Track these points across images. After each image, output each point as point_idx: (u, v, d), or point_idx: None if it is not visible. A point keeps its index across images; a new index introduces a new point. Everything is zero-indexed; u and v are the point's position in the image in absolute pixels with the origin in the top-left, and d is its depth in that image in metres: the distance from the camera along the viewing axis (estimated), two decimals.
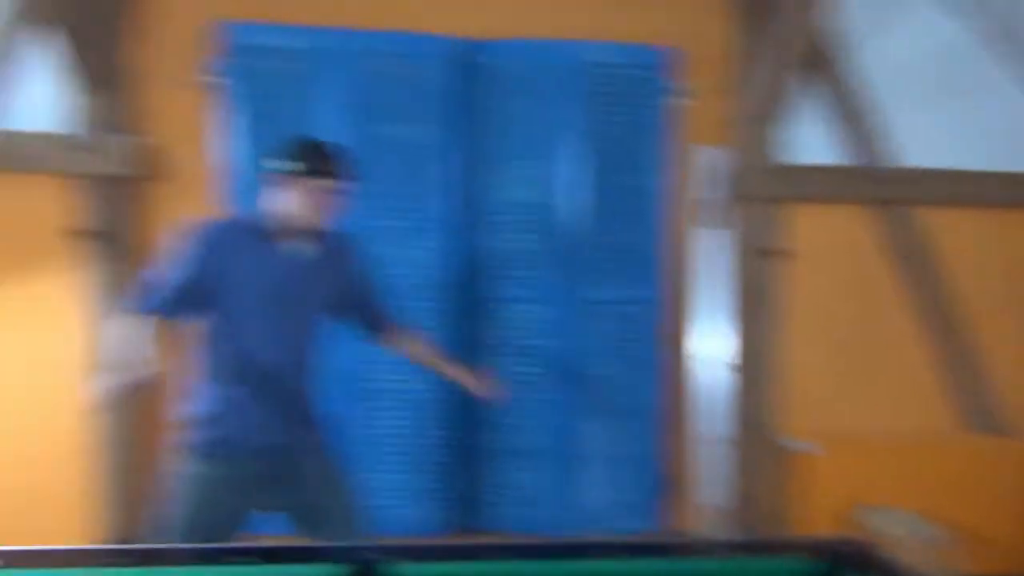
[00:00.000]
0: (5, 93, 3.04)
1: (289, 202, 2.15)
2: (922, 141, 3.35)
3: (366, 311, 2.40)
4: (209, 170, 3.16)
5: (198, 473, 2.14)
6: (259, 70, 3.11)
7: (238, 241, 2.17)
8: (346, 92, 3.13)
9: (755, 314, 3.37)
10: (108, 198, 3.10)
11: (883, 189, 3.33)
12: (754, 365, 3.38)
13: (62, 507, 3.15)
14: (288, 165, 2.15)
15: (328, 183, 2.15)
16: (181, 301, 2.14)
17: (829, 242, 3.39)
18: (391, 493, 3.25)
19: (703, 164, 3.36)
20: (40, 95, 3.06)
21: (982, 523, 3.25)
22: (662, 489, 3.40)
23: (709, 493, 3.35)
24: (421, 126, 3.17)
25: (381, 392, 3.23)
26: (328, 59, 3.12)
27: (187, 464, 2.16)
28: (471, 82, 3.21)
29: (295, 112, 3.13)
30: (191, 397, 2.21)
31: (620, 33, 3.27)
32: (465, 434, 3.30)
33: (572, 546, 1.69)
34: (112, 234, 3.10)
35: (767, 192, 3.31)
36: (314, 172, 2.14)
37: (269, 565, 1.50)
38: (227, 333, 2.15)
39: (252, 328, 2.15)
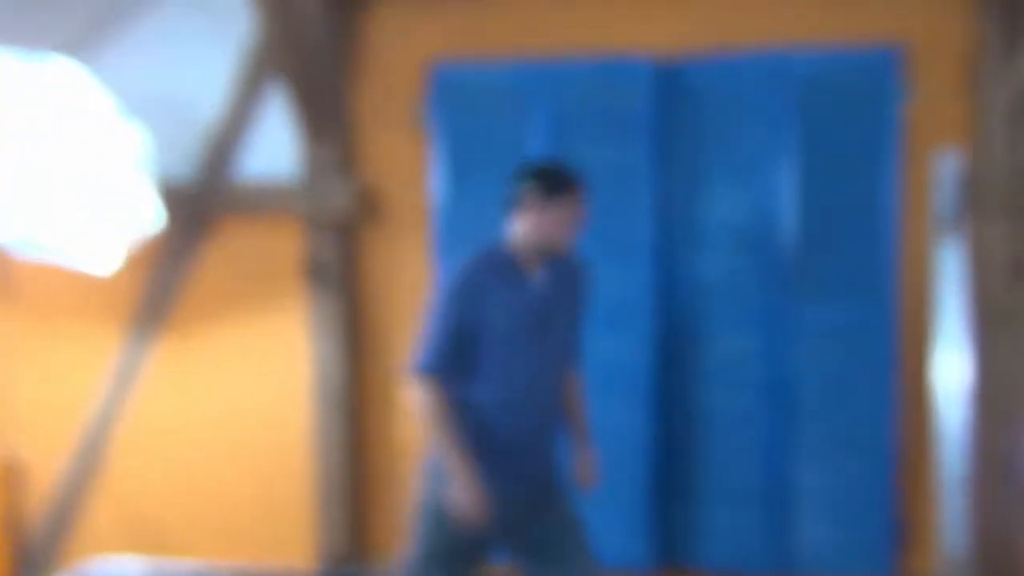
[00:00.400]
0: (242, 140, 3.35)
1: (536, 226, 2.13)
2: None
3: (572, 342, 2.33)
4: (423, 210, 3.31)
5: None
6: (467, 108, 3.22)
7: (493, 278, 2.15)
8: (552, 123, 3.16)
9: (1000, 338, 3.01)
10: (331, 239, 3.32)
11: None
12: (1001, 396, 3.02)
13: (285, 525, 3.41)
14: (534, 187, 2.14)
15: (573, 202, 2.14)
16: (457, 352, 2.12)
17: None
18: (595, 527, 3.22)
19: (941, 172, 3.06)
20: (271, 141, 3.35)
21: None
22: (896, 533, 3.11)
23: (951, 539, 3.02)
24: (627, 151, 3.13)
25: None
26: (533, 93, 3.17)
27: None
28: (677, 103, 3.13)
29: (503, 147, 3.20)
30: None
31: (839, 32, 3.05)
32: (674, 468, 3.20)
33: None
34: (335, 272, 3.31)
35: (1013, 200, 2.96)
36: (560, 192, 2.13)
37: None
38: (494, 371, 2.13)
39: (518, 363, 2.13)
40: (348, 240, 3.38)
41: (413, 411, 2.17)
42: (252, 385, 3.43)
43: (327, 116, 3.29)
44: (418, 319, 3.27)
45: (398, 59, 3.32)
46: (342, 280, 3.33)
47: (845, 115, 3.04)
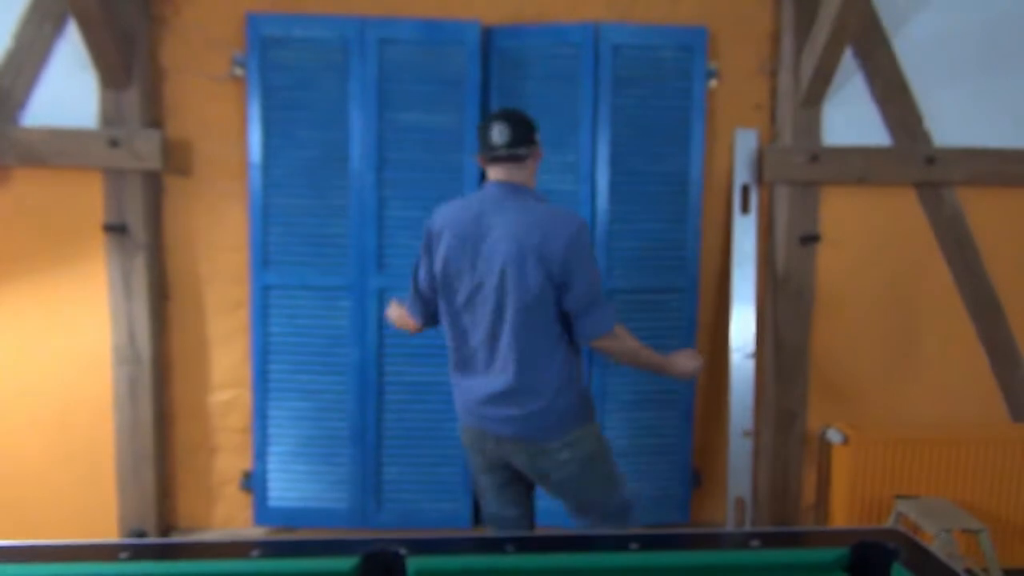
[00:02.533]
0: (32, 85, 3.07)
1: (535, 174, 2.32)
2: (964, 120, 3.24)
3: None
4: (237, 165, 3.17)
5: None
6: (285, 62, 3.10)
7: None
8: (374, 82, 3.10)
9: (790, 302, 3.30)
10: (135, 193, 3.11)
11: (924, 170, 3.23)
12: (787, 354, 3.32)
13: (80, 497, 3.22)
14: (537, 136, 2.30)
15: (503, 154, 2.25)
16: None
17: (866, 226, 3.30)
18: (415, 487, 3.26)
19: (740, 148, 3.29)
20: (69, 88, 3.08)
21: (1022, 515, 3.16)
22: (693, 481, 3.36)
23: (740, 485, 3.29)
24: (446, 114, 3.14)
25: (399, 384, 3.23)
26: (352, 48, 3.10)
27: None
28: (496, 68, 3.18)
29: (320, 102, 3.12)
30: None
31: (653, 14, 3.21)
32: None
33: (602, 539, 1.66)
34: (139, 229, 3.11)
35: (804, 176, 3.23)
36: (497, 144, 2.23)
37: (294, 559, 1.49)
38: None
39: None
40: (154, 195, 3.19)
41: (621, 360, 2.34)
42: (50, 349, 3.18)
43: (128, 63, 3.06)
44: (236, 280, 3.22)
45: (213, 6, 3.14)
46: (147, 238, 3.13)
47: (655, 89, 3.19)
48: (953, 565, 1.49)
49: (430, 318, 2.40)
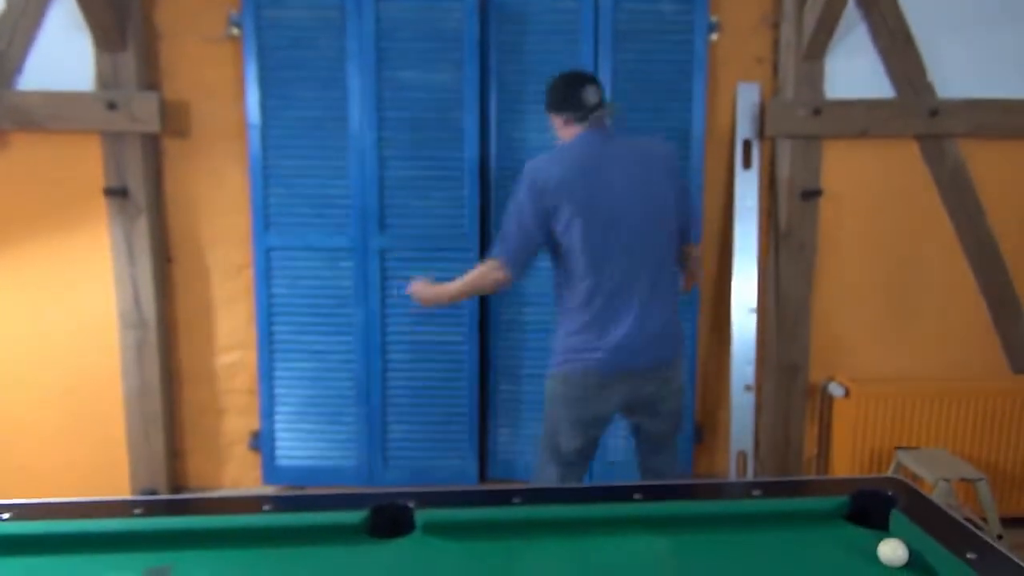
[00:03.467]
0: (29, 47, 3.04)
1: None
2: (968, 71, 3.20)
3: None
4: (236, 126, 3.15)
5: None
6: (282, 22, 3.07)
7: None
8: (372, 40, 3.07)
9: (792, 257, 3.30)
10: (134, 156, 3.10)
11: (927, 122, 3.20)
12: (789, 309, 3.33)
13: (92, 460, 3.26)
14: None
15: None
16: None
17: (869, 179, 3.28)
18: (421, 444, 3.30)
19: (742, 102, 3.26)
20: (66, 51, 3.05)
21: (1020, 465, 3.20)
22: (695, 434, 3.40)
23: (742, 439, 3.33)
24: (445, 72, 3.11)
25: (403, 343, 3.25)
26: (348, 6, 3.05)
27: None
28: (494, 24, 3.14)
29: (318, 62, 3.09)
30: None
31: None
32: (494, 385, 3.32)
33: (605, 490, 1.69)
34: (140, 192, 3.11)
35: (807, 129, 3.21)
36: None
37: (301, 512, 1.52)
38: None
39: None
40: (154, 158, 3.18)
41: None
42: (56, 315, 3.20)
43: (123, 25, 3.02)
44: (239, 242, 3.22)
45: None
46: (148, 201, 3.13)
47: (656, 44, 3.16)
48: (952, 513, 1.52)
49: (526, 271, 2.39)
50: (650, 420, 2.44)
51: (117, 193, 3.09)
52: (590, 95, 2.32)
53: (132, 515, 1.51)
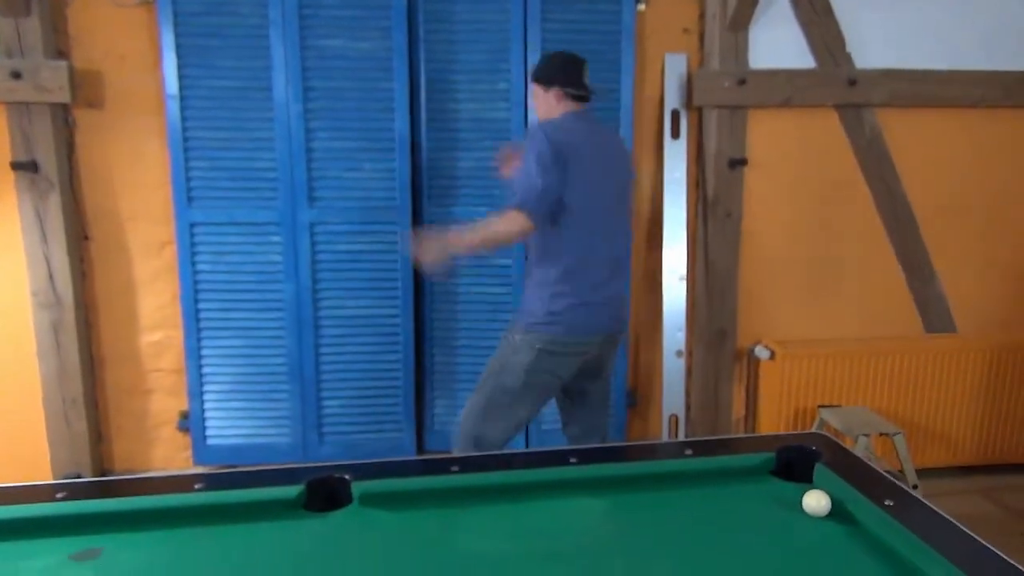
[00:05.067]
0: None
1: None
2: (885, 42, 3.31)
3: None
4: (154, 97, 3.02)
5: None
6: None
7: None
8: (290, 6, 2.98)
9: (719, 225, 3.37)
10: (44, 127, 2.95)
11: (846, 92, 3.30)
12: (717, 276, 3.41)
13: (9, 446, 3.15)
14: None
15: None
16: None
17: (791, 148, 3.37)
18: (356, 419, 3.28)
19: (669, 72, 3.30)
20: None
21: (933, 419, 3.38)
22: (629, 401, 3.47)
23: (674, 403, 3.42)
24: (372, 40, 3.05)
25: (335, 318, 3.21)
26: None
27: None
28: None
29: (238, 29, 2.99)
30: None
31: None
32: (429, 357, 3.31)
33: (542, 455, 1.71)
34: (50, 166, 2.96)
35: (732, 99, 3.27)
36: None
37: (235, 490, 1.49)
38: None
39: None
40: (64, 130, 3.03)
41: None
42: None
43: None
44: (160, 218, 3.11)
45: None
46: (60, 175, 2.98)
47: (585, 13, 3.15)
48: (872, 465, 1.59)
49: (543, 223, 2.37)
50: (594, 382, 2.58)
51: (26, 167, 2.94)
52: (587, 77, 2.47)
53: (55, 499, 1.46)
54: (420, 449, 3.34)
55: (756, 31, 3.27)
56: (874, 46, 3.32)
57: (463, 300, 3.27)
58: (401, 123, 3.11)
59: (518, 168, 2.38)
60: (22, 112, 2.93)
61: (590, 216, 2.38)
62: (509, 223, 2.33)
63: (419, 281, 3.24)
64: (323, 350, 3.20)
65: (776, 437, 1.75)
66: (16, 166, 2.94)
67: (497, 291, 3.25)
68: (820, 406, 3.23)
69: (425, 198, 3.20)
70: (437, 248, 2.41)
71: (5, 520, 1.39)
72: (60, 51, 2.98)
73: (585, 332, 2.42)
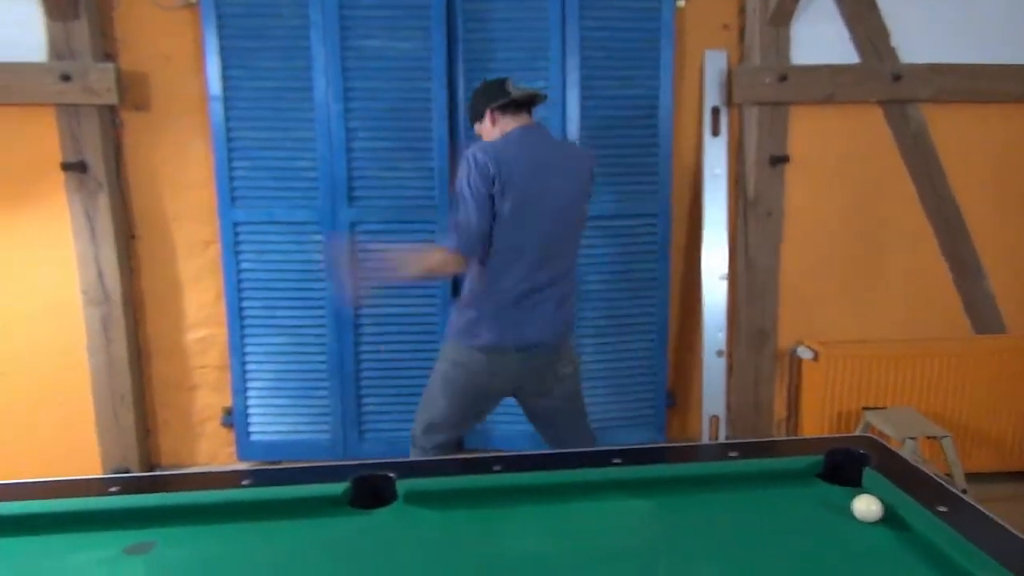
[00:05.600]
0: None
1: None
2: (930, 36, 3.24)
3: None
4: (198, 98, 3.08)
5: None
6: None
7: None
8: (331, 7, 3.01)
9: (760, 223, 3.33)
10: (93, 129, 3.01)
11: (890, 88, 3.23)
12: (758, 275, 3.37)
13: (60, 440, 3.21)
14: None
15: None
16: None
17: (833, 145, 3.32)
18: (396, 417, 3.30)
19: (709, 69, 3.27)
20: (11, 22, 2.94)
21: (982, 422, 3.30)
22: (669, 401, 3.44)
23: (714, 404, 3.39)
24: (412, 40, 3.06)
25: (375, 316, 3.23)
26: None
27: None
28: None
29: (280, 30, 3.03)
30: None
31: None
32: None
33: (584, 455, 1.70)
34: (98, 166, 3.03)
35: (773, 96, 3.22)
36: None
37: (282, 486, 1.51)
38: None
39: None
40: (112, 131, 3.09)
41: None
42: (16, 293, 3.12)
43: None
44: (204, 217, 3.16)
45: None
46: (108, 175, 3.05)
47: (623, 11, 3.13)
48: (923, 468, 1.56)
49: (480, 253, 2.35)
50: (544, 399, 2.51)
51: (75, 168, 3.01)
52: (512, 86, 2.37)
53: (109, 493, 1.49)
54: (458, 447, 3.34)
55: (798, 26, 3.22)
56: (920, 40, 3.25)
57: None
58: (439, 122, 3.12)
59: (454, 200, 2.29)
60: (71, 114, 3.00)
61: (517, 231, 2.28)
62: (447, 264, 2.33)
63: (457, 282, 3.25)
64: (363, 348, 3.23)
65: (823, 440, 1.72)
66: (66, 167, 3.01)
67: None
68: (865, 408, 3.17)
69: None
70: (402, 266, 2.37)
71: (62, 513, 1.43)
72: (107, 54, 3.05)
73: (519, 345, 2.35)
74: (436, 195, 3.16)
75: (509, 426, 3.32)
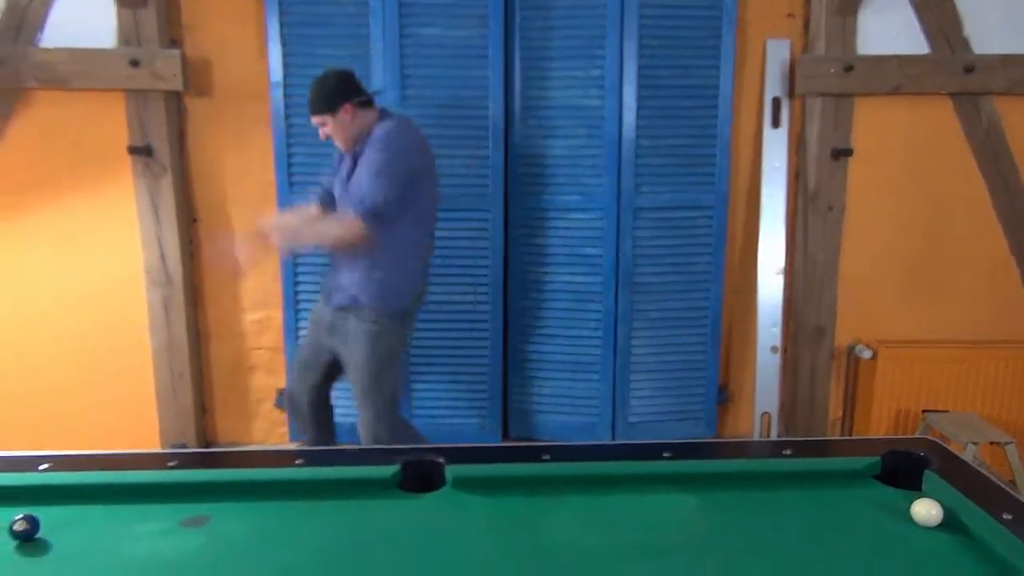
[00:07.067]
0: (48, 8, 3.02)
1: None
2: (1004, 26, 3.11)
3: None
4: (258, 84, 3.13)
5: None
6: None
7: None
8: None
9: (820, 218, 3.25)
10: (159, 114, 3.09)
11: (962, 79, 3.11)
12: (817, 270, 3.29)
13: (123, 414, 3.31)
14: None
15: (313, 120, 2.55)
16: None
17: (900, 138, 3.22)
18: (443, 402, 3.32)
19: (771, 59, 3.19)
20: (85, 9, 3.03)
21: None
22: (720, 397, 3.39)
23: (767, 400, 3.32)
24: (469, 28, 3.06)
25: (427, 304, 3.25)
26: None
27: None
28: None
29: (339, 18, 3.06)
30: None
31: None
32: (518, 344, 3.32)
33: (633, 448, 1.69)
34: (162, 149, 3.10)
35: (838, 87, 3.13)
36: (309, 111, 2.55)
37: (334, 467, 1.53)
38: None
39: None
40: (177, 116, 3.17)
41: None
42: (85, 268, 3.22)
43: None
44: (263, 201, 3.23)
45: None
46: (172, 159, 3.13)
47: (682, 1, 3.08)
48: (988, 475, 1.50)
49: None
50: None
51: (141, 152, 3.09)
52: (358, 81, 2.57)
53: (167, 467, 1.54)
54: (505, 435, 3.36)
55: (865, 15, 3.13)
56: (993, 30, 3.12)
57: (550, 288, 3.26)
58: (495, 110, 3.11)
59: (368, 170, 2.45)
60: (139, 99, 3.08)
61: (432, 208, 2.64)
62: (349, 232, 2.48)
63: (507, 268, 3.26)
64: (413, 334, 3.25)
65: (882, 441, 1.68)
66: (133, 151, 3.09)
67: (586, 280, 3.23)
68: (925, 411, 3.08)
69: (512, 186, 3.20)
70: (287, 231, 2.57)
71: (123, 484, 1.47)
72: (173, 40, 3.12)
73: (422, 302, 2.77)
74: (489, 183, 3.16)
75: (556, 417, 3.32)
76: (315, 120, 2.53)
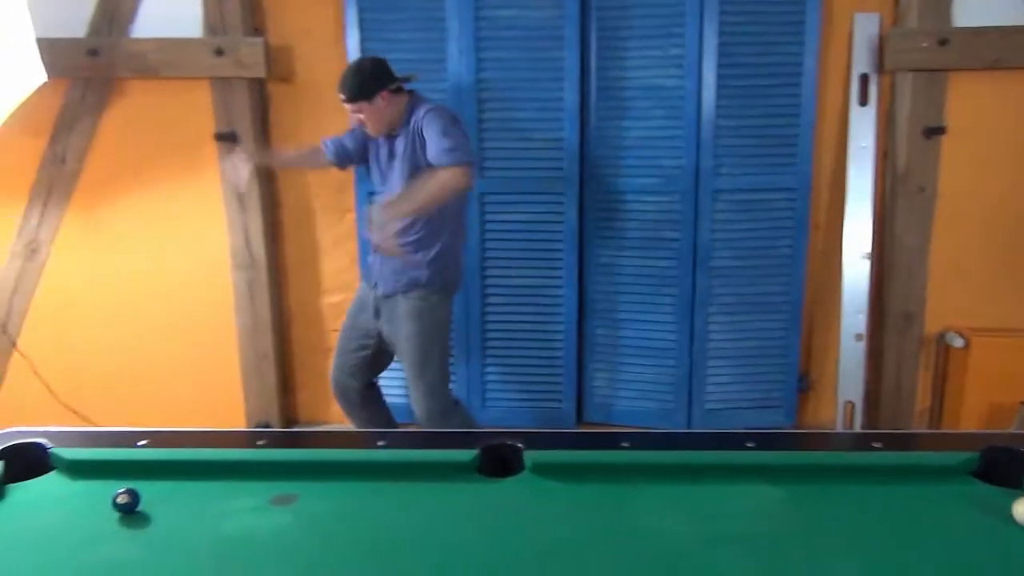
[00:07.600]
0: (140, 1, 3.13)
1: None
2: None
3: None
4: (336, 69, 3.16)
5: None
6: None
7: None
8: None
9: (910, 200, 3.12)
10: (242, 101, 3.17)
11: None
12: (905, 255, 3.16)
13: (210, 392, 3.43)
14: None
15: (348, 106, 2.58)
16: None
17: (998, 115, 3.05)
18: (517, 387, 3.33)
19: (859, 34, 3.06)
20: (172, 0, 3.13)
21: None
22: (801, 385, 3.30)
23: (851, 389, 3.22)
24: (544, 9, 3.04)
25: (500, 287, 3.26)
26: None
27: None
28: None
29: (416, 3, 3.07)
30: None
31: None
32: (594, 329, 3.30)
33: (716, 436, 1.66)
34: (248, 136, 3.19)
35: (930, 62, 2.99)
36: (341, 97, 2.58)
37: (415, 450, 1.56)
38: None
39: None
40: (260, 103, 3.25)
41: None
42: (175, 251, 3.35)
43: None
44: (342, 187, 3.29)
45: None
46: (256, 145, 3.21)
47: None
48: None
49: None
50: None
51: (227, 138, 3.19)
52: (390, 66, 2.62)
53: (256, 446, 1.59)
54: (579, 420, 3.36)
55: None
56: None
57: (626, 272, 3.23)
58: (571, 92, 3.08)
59: (438, 133, 2.46)
60: (224, 87, 3.17)
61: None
62: (457, 180, 2.45)
63: (582, 252, 3.24)
64: (488, 318, 3.28)
65: (979, 435, 1.61)
66: (219, 137, 3.19)
67: (662, 264, 3.19)
68: (1023, 402, 2.93)
69: (589, 168, 3.17)
70: (391, 216, 2.45)
71: (215, 462, 1.53)
72: (256, 28, 3.19)
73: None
74: (565, 166, 3.14)
75: (631, 402, 3.29)
76: (351, 108, 2.58)
